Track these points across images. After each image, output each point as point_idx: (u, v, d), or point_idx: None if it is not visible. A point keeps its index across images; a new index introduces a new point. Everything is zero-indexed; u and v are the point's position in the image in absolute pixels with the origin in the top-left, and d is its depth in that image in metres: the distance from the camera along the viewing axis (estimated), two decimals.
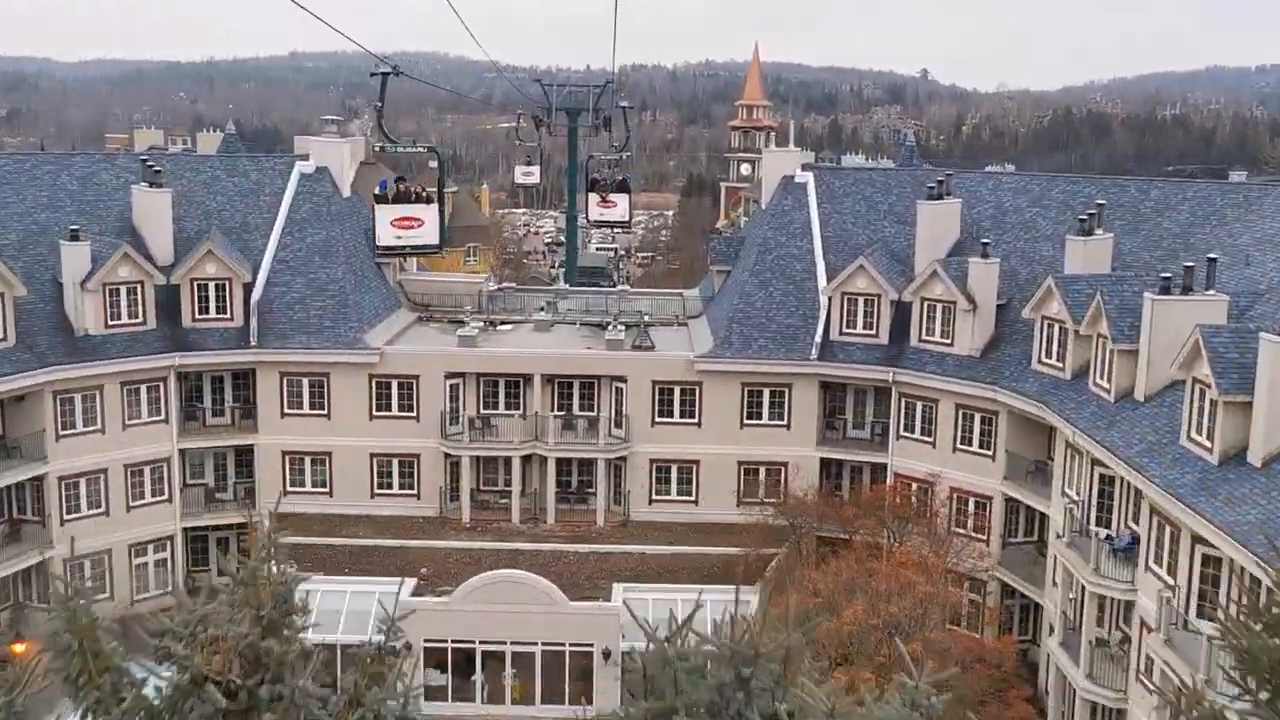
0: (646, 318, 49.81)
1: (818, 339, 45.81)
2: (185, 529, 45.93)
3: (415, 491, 46.52)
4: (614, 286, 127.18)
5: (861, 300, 45.62)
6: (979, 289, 43.13)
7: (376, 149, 49.90)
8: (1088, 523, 36.41)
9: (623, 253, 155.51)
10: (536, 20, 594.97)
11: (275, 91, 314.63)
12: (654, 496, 46.50)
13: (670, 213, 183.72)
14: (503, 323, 52.03)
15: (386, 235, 40.50)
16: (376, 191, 42.40)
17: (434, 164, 49.34)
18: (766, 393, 45.97)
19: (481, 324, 50.39)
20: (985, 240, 43.85)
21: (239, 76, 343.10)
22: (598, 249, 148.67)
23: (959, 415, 43.15)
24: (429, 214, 40.62)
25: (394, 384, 46.11)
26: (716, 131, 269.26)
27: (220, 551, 46.75)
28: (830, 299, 46.13)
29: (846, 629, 27.49)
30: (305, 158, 51.57)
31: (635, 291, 58.90)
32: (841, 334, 45.91)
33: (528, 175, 64.73)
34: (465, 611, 38.49)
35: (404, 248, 41.90)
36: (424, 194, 42.11)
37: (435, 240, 40.63)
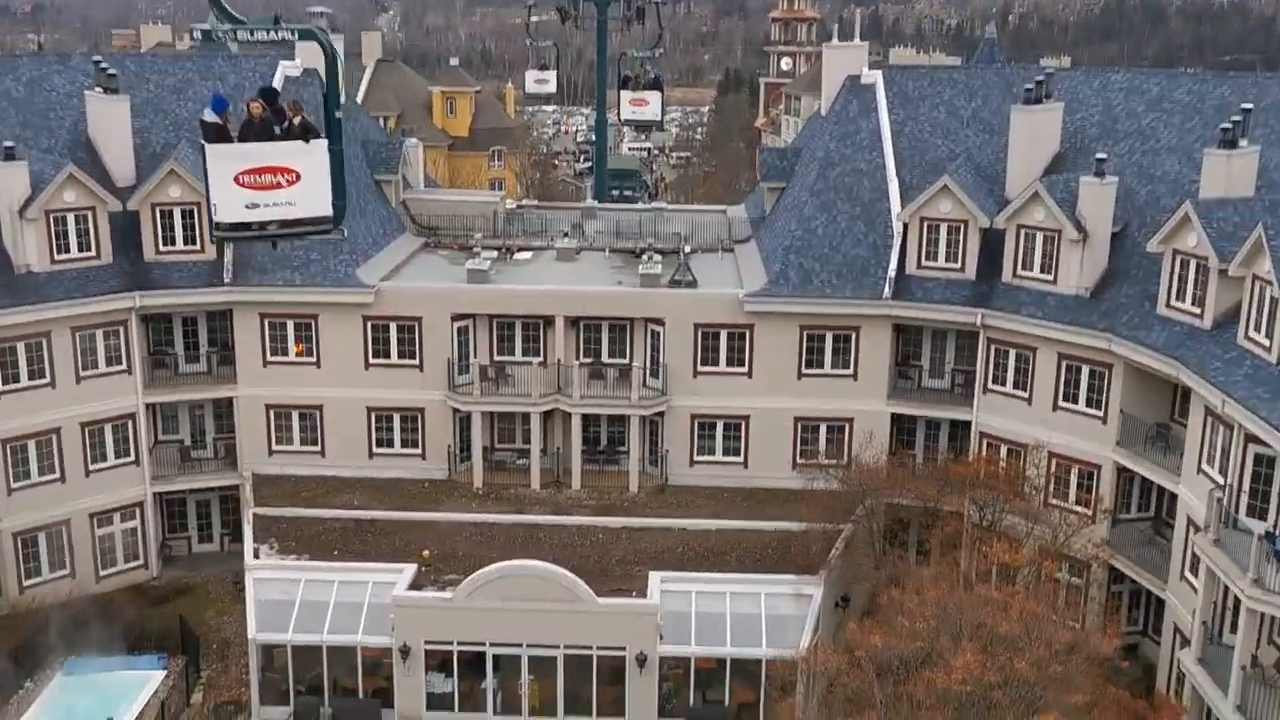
0: (687, 248, 41.90)
1: (891, 273, 37.91)
2: (158, 494, 39.26)
3: (419, 451, 39.50)
4: (646, 190, 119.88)
5: (944, 227, 37.53)
6: (1091, 214, 34.96)
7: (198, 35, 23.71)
8: (1236, 510, 28.92)
9: (656, 152, 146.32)
10: None
11: None
12: (696, 457, 39.27)
13: (706, 109, 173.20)
14: (521, 250, 44.35)
15: (229, 201, 19.33)
16: (206, 117, 20.00)
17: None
18: (829, 337, 38.28)
19: (496, 253, 42.75)
20: (1101, 155, 35.48)
21: None
22: (629, 150, 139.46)
23: (1062, 367, 35.36)
24: (308, 161, 19.48)
25: (393, 327, 38.76)
26: (753, 24, 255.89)
27: (199, 517, 40.29)
28: (906, 226, 38.09)
29: (957, 687, 20.43)
30: (291, 57, 43.55)
31: (673, 209, 50.83)
32: (919, 267, 37.96)
33: (541, 83, 55.86)
34: (473, 610, 31.71)
35: (261, 225, 19.80)
36: (294, 124, 19.80)
37: (319, 209, 19.89)
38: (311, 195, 19.54)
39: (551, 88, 54.63)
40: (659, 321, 38.57)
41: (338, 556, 34.40)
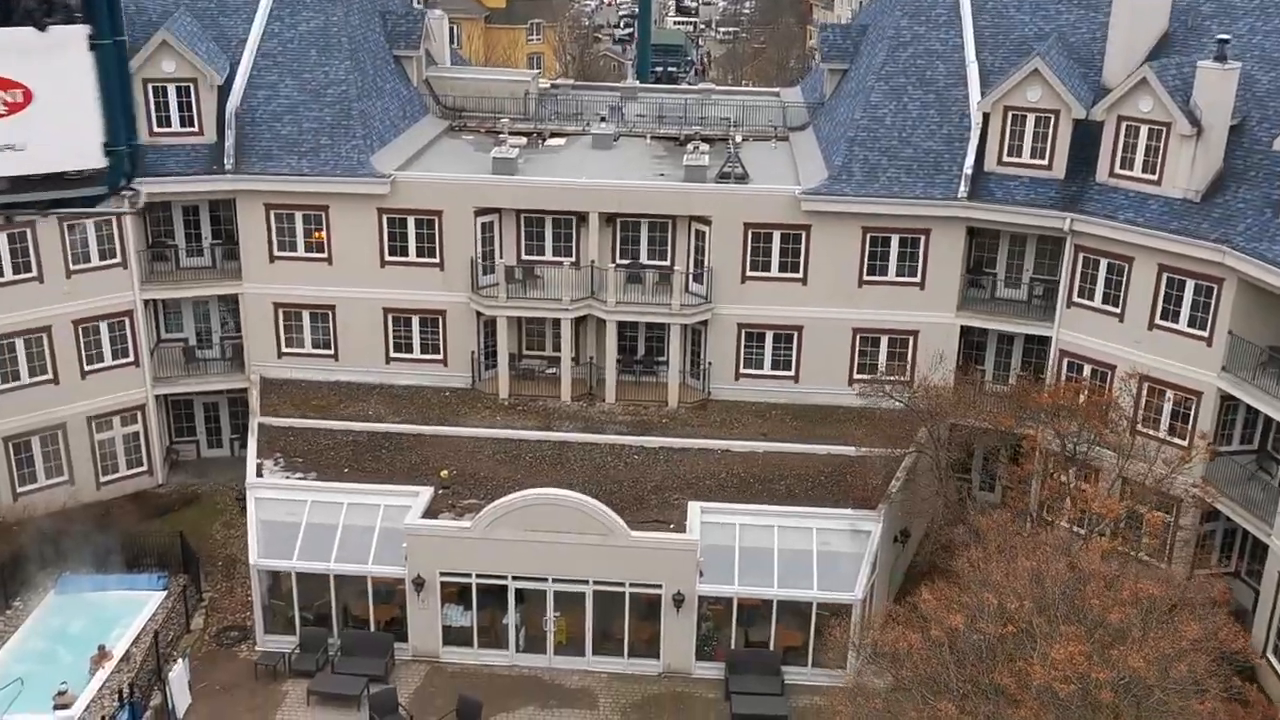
0: (737, 138, 37.31)
1: (967, 170, 33.28)
2: (161, 396, 36.04)
3: (440, 357, 35.89)
4: (692, 66, 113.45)
5: (1031, 118, 32.72)
6: (1208, 105, 30.06)
7: None
8: None
9: (702, 26, 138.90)
10: None
11: None
12: (742, 370, 35.39)
13: None
14: (553, 135, 39.95)
15: None
16: None
17: None
18: (895, 241, 33.91)
19: (525, 139, 38.38)
20: (1223, 37, 30.40)
21: None
22: (675, 24, 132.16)
23: (1163, 281, 30.91)
24: (48, 67, 8.65)
25: (410, 221, 34.79)
26: None
27: (206, 422, 37.17)
28: (986, 116, 33.30)
29: (1057, 685, 16.75)
30: None
31: (721, 91, 45.96)
32: (1000, 163, 33.30)
33: None
34: (494, 541, 28.42)
35: None
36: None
37: (74, 156, 8.86)
38: (56, 132, 8.74)
39: None
40: (705, 220, 34.33)
41: (348, 475, 31.14)
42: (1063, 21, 35.66)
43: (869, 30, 38.88)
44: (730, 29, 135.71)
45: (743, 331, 35.04)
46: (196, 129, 34.38)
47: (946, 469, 30.47)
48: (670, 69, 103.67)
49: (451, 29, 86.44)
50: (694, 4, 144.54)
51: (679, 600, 28.44)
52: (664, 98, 43.31)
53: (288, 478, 30.89)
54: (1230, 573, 31.84)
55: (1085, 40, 35.07)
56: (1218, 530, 31.46)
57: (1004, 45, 35.46)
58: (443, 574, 28.91)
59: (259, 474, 30.87)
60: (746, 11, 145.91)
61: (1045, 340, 33.83)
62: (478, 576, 28.98)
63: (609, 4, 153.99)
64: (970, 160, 33.38)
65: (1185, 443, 30.89)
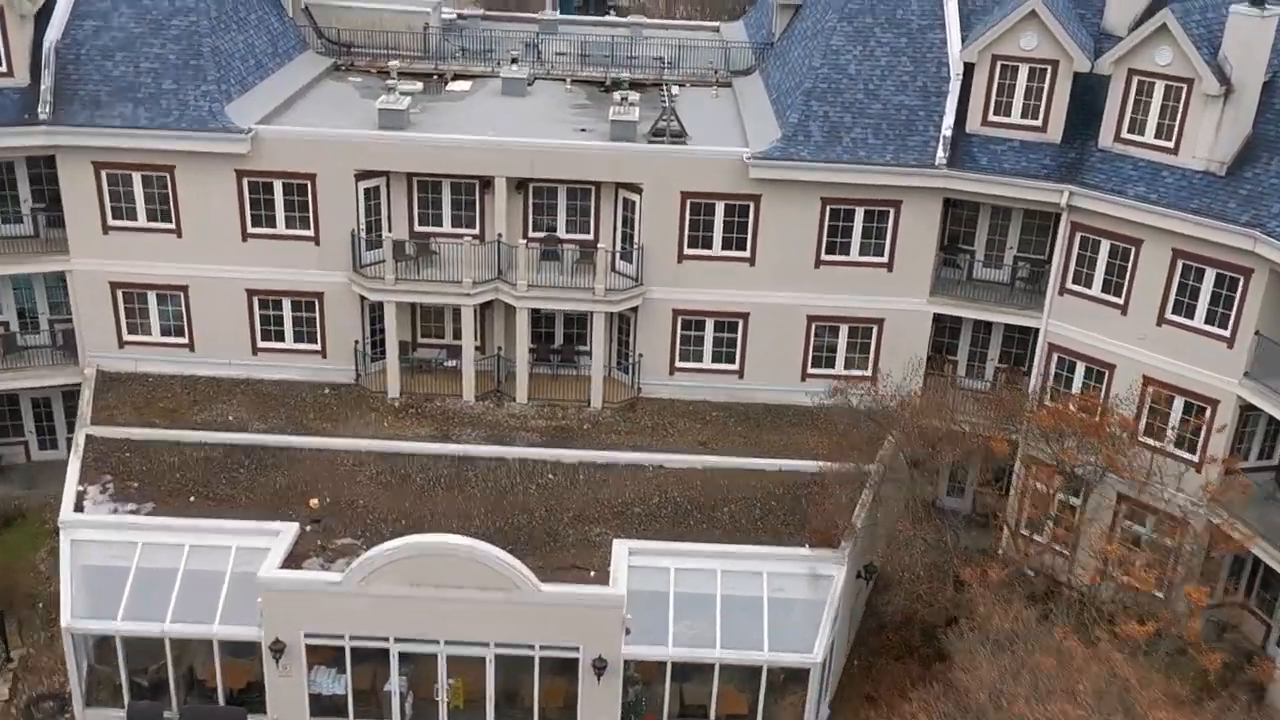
0: (675, 90, 31.03)
1: (946, 130, 27.50)
2: None
3: (318, 347, 29.57)
4: None
5: (1024, 70, 26.94)
6: (1240, 59, 24.54)
7: None
8: None
9: None
10: None
11: None
12: (678, 364, 29.59)
13: None
14: (456, 78, 33.33)
15: None
16: None
17: None
18: (859, 214, 28.13)
19: (422, 84, 31.69)
20: None
21: None
22: None
23: (1177, 269, 25.59)
24: None
25: (277, 186, 28.16)
26: None
27: (36, 421, 30.51)
28: (969, 66, 27.46)
29: None
30: None
31: (653, 26, 39.39)
32: (985, 124, 27.57)
33: None
34: (372, 597, 22.54)
35: None
36: None
37: None
38: None
39: None
40: (634, 188, 28.19)
41: (194, 506, 24.92)
42: None
43: None
44: None
45: (679, 319, 29.18)
46: (4, 68, 27.25)
47: (924, 505, 25.08)
48: None
49: None
50: None
51: (600, 667, 22.89)
52: (588, 32, 36.71)
53: (116, 510, 24.61)
54: (1239, 604, 27.21)
55: None
56: (1224, 558, 26.64)
57: None
58: (308, 635, 22.99)
59: (79, 506, 24.50)
60: None
61: (1029, 331, 28.52)
62: (352, 639, 23.12)
63: None
64: (950, 119, 27.59)
65: (1195, 458, 25.92)
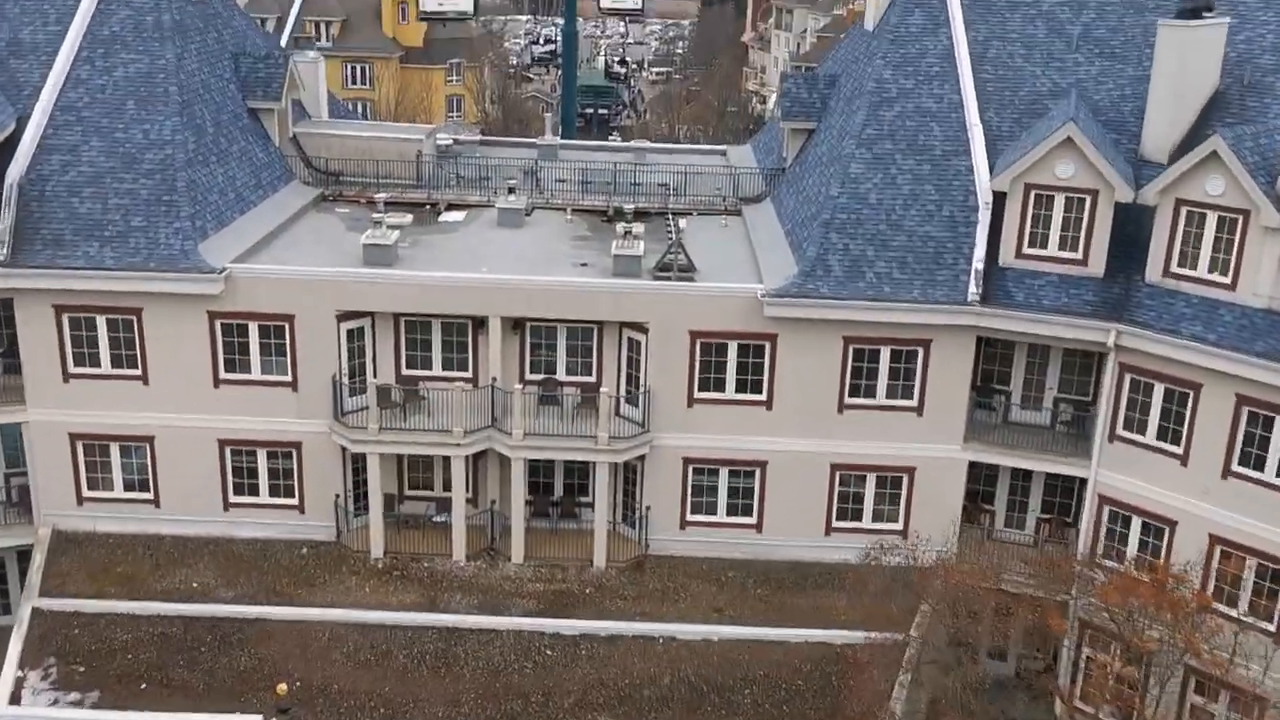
0: (682, 223, 28.91)
1: (978, 263, 25.20)
2: None
3: (295, 501, 26.85)
4: (624, 107, 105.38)
5: (1061, 200, 24.77)
6: None
7: None
8: None
9: (634, 66, 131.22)
10: None
11: None
12: (689, 517, 26.84)
13: (687, 23, 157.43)
14: (451, 207, 31.29)
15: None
16: None
17: None
18: (885, 354, 25.68)
19: (414, 213, 29.61)
20: None
21: None
22: (614, 61, 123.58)
23: (1242, 415, 23.00)
24: None
25: (252, 328, 25.80)
26: None
27: None
28: (999, 195, 25.30)
29: None
30: None
31: (658, 150, 37.61)
32: (1020, 256, 25.28)
33: None
34: None
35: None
36: None
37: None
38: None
39: (465, 3, 34.32)
40: (640, 327, 25.81)
41: (144, 695, 22.01)
42: (1082, 75, 27.90)
43: (839, 81, 30.82)
44: (662, 69, 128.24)
45: (690, 468, 26.52)
46: None
47: (972, 690, 22.05)
48: (601, 110, 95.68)
49: (362, 69, 78.59)
50: (622, 49, 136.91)
51: None
52: (589, 157, 34.84)
53: (58, 700, 21.67)
54: None
55: (1112, 99, 27.35)
56: None
57: (1012, 104, 27.64)
58: None
59: (15, 697, 21.55)
60: (679, 53, 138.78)
61: (1080, 482, 25.82)
62: None
63: (537, 41, 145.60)
64: (980, 251, 25.32)
65: (1274, 627, 22.97)
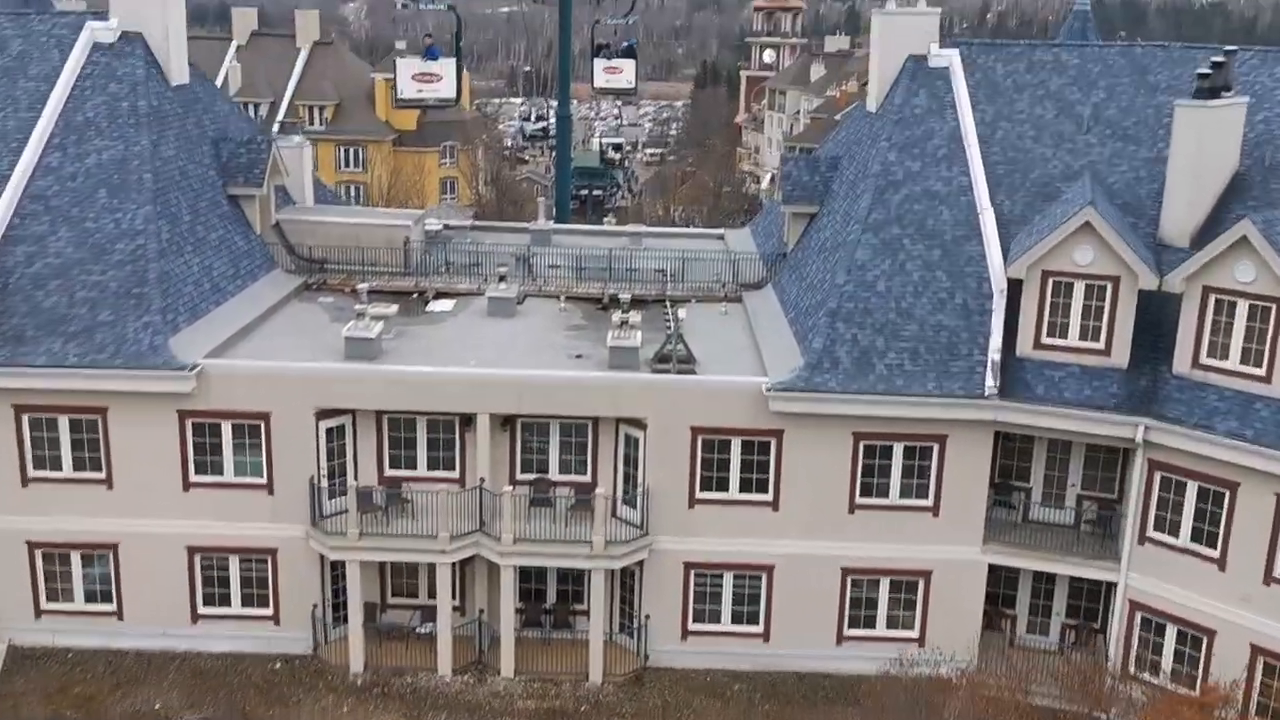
0: (681, 313, 27.52)
1: (994, 354, 23.76)
2: None
3: (270, 612, 24.99)
4: (619, 188, 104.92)
5: (1080, 287, 23.40)
6: None
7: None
8: None
9: (628, 148, 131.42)
10: None
11: None
12: (691, 626, 25.02)
13: (680, 104, 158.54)
14: (440, 295, 29.93)
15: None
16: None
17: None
18: (898, 450, 24.09)
19: (399, 303, 28.23)
20: None
21: None
22: (608, 142, 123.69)
23: None
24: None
25: (225, 428, 24.19)
26: (728, 18, 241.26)
27: None
28: (1017, 283, 23.95)
29: None
30: (102, 15, 28.89)
31: (655, 234, 36.40)
32: (1039, 345, 23.84)
33: (425, 80, 30.79)
34: None
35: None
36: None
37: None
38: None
39: (446, 91, 31.77)
40: (638, 423, 24.23)
41: None
42: (1094, 156, 26.80)
43: (842, 164, 29.70)
44: (656, 150, 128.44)
45: (692, 573, 24.76)
46: None
47: None
48: (595, 192, 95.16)
49: (355, 152, 77.97)
50: (618, 128, 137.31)
51: None
52: (583, 242, 33.58)
53: None
54: None
55: (1127, 181, 26.20)
56: None
57: (1023, 187, 26.48)
58: None
59: None
60: (673, 134, 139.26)
61: (1108, 586, 24.08)
62: None
63: (529, 118, 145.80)
64: (996, 341, 23.91)
65: None
